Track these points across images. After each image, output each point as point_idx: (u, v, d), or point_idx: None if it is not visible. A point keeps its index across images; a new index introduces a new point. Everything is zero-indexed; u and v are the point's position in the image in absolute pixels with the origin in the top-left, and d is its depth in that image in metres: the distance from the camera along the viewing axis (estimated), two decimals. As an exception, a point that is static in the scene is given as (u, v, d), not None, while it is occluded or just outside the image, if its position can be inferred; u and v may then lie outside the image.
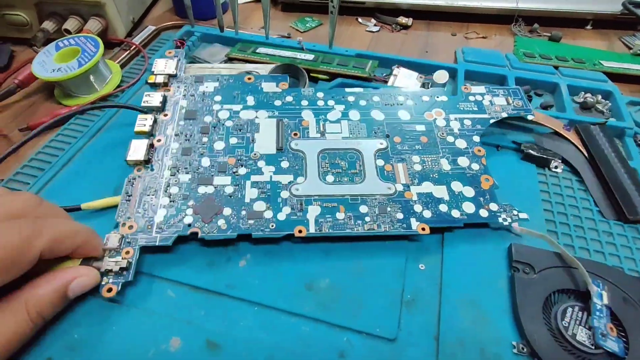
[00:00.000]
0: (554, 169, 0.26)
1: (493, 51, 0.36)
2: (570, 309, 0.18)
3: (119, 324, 0.18)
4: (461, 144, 0.24)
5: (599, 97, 0.31)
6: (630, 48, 0.38)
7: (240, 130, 0.24)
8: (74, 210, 0.22)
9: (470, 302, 0.19)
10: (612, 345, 0.17)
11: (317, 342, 0.18)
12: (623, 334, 0.18)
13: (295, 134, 0.24)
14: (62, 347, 0.17)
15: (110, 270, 0.18)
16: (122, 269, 0.18)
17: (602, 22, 0.41)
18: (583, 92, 0.31)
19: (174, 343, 0.18)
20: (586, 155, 0.26)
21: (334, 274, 0.20)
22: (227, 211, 0.21)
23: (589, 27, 0.41)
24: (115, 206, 0.21)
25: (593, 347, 0.17)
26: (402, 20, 0.41)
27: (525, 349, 0.17)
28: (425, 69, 0.32)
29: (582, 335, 0.18)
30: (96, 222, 0.21)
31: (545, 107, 0.30)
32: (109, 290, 0.18)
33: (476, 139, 0.25)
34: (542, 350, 0.17)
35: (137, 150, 0.22)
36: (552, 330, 0.18)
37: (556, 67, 0.34)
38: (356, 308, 0.19)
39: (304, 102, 0.26)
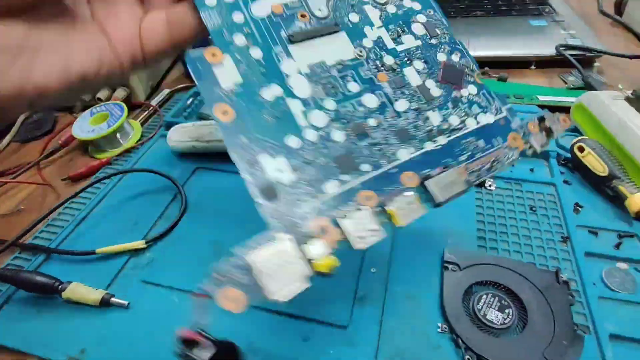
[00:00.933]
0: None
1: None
2: (484, 296, 0.23)
3: (129, 327, 0.24)
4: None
5: (533, 126, 0.37)
6: (566, 83, 0.44)
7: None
8: (88, 254, 0.27)
9: (409, 295, 0.24)
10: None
11: (286, 330, 0.23)
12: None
13: None
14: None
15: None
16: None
17: (544, 63, 0.48)
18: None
19: (176, 333, 0.23)
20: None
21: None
22: None
23: (533, 67, 0.48)
24: (125, 251, 0.27)
25: (499, 324, 0.22)
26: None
27: (446, 328, 0.22)
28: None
29: (491, 315, 0.22)
30: (109, 263, 0.27)
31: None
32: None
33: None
34: (458, 327, 0.22)
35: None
36: (469, 312, 0.23)
37: (499, 104, 0.40)
38: (318, 303, 0.24)
39: None
